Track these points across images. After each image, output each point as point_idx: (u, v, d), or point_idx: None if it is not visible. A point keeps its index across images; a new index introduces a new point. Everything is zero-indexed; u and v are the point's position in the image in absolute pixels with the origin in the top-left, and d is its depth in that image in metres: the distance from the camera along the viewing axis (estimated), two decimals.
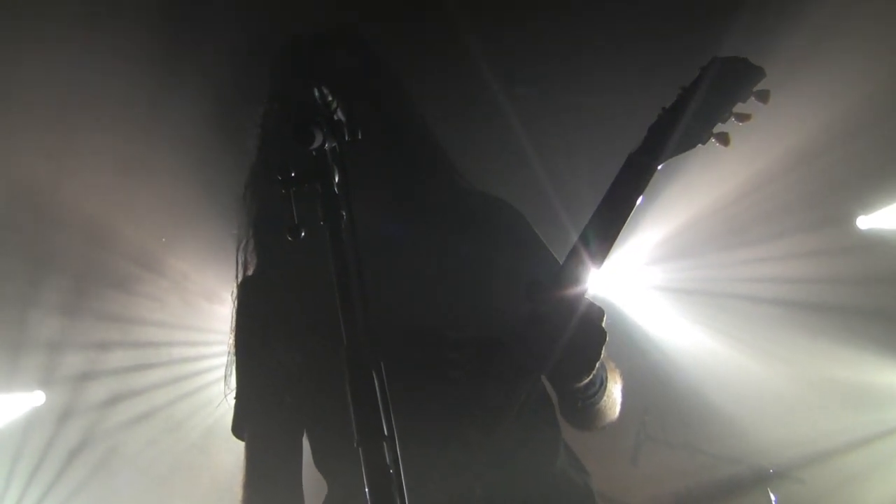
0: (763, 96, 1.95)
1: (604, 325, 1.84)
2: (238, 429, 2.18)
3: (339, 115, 1.53)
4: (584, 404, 2.00)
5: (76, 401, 6.18)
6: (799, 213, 5.70)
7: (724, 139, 1.96)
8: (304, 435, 2.16)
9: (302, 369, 2.05)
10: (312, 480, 2.16)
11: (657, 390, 5.95)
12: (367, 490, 1.27)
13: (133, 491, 6.33)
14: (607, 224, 1.87)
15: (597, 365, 1.86)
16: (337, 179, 1.45)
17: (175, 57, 4.32)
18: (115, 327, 5.97)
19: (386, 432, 1.30)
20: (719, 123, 1.96)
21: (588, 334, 1.82)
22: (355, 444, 1.30)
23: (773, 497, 5.26)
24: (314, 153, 1.45)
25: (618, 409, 2.16)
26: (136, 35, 4.18)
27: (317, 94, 1.54)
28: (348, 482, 1.98)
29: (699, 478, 5.84)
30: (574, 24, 4.66)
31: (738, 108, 1.96)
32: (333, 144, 1.48)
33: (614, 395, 2.10)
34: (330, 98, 1.54)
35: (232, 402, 2.19)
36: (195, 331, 6.07)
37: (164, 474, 6.38)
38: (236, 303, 2.21)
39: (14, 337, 5.72)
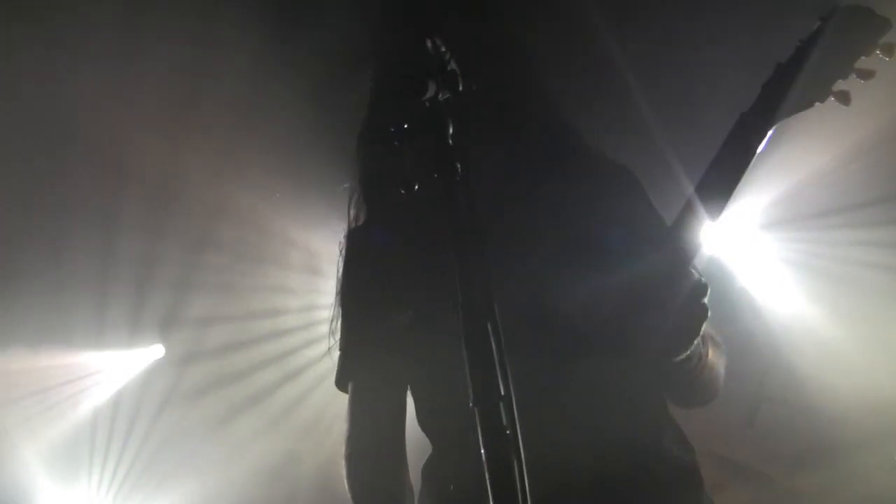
0: (888, 50, 1.77)
1: (706, 301, 1.76)
2: (342, 381, 2.16)
3: (453, 65, 1.47)
4: (680, 380, 1.93)
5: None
6: None
7: (844, 98, 1.80)
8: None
9: (410, 323, 2.01)
10: (413, 441, 2.14)
11: (775, 351, 5.78)
12: (482, 452, 1.23)
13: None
14: (717, 188, 1.76)
15: (696, 342, 1.78)
16: (451, 131, 1.40)
17: (287, 13, 4.34)
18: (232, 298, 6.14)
19: (502, 392, 1.26)
20: (839, 80, 1.80)
21: (690, 308, 1.74)
22: (471, 405, 1.26)
23: None
24: (427, 104, 1.41)
25: (719, 385, 2.06)
26: None
27: (429, 44, 1.49)
28: (455, 442, 1.95)
29: (819, 437, 5.68)
30: None
31: (861, 63, 1.79)
32: (447, 95, 1.43)
33: (714, 371, 2.00)
34: (443, 48, 1.49)
35: (337, 353, 2.17)
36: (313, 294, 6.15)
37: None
38: (344, 253, 2.19)
39: (133, 301, 5.95)
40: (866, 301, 5.83)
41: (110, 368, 6.51)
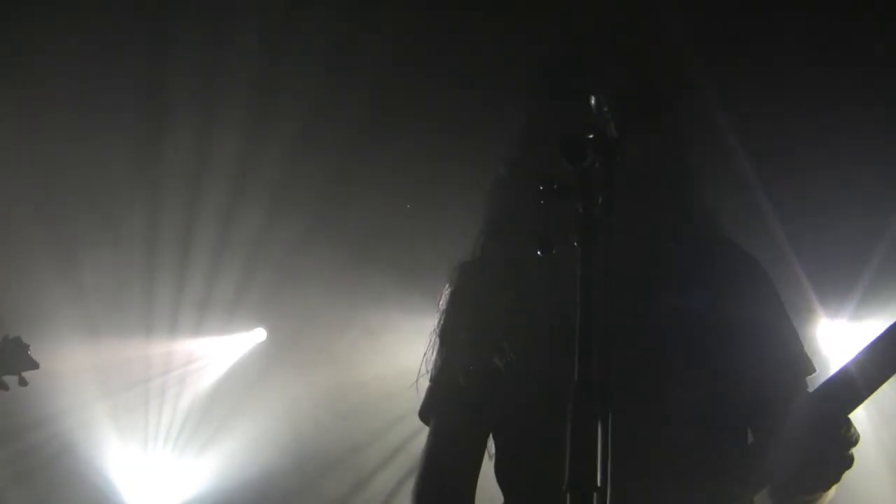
0: None
1: (853, 452, 1.70)
2: (425, 413, 2.13)
3: (613, 130, 1.41)
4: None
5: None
6: None
7: None
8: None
9: (506, 371, 1.95)
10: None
11: None
12: None
13: None
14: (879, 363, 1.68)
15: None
16: (600, 201, 1.34)
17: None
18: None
19: (599, 483, 1.20)
20: None
21: (838, 457, 1.69)
22: (563, 488, 1.21)
23: None
24: (580, 170, 1.36)
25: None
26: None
27: (593, 102, 1.43)
28: (531, 502, 1.91)
29: None
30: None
31: None
32: (602, 162, 1.37)
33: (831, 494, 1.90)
34: (606, 109, 1.43)
35: (425, 383, 2.13)
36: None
37: None
38: (453, 283, 2.14)
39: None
40: None
41: (214, 353, 6.71)
